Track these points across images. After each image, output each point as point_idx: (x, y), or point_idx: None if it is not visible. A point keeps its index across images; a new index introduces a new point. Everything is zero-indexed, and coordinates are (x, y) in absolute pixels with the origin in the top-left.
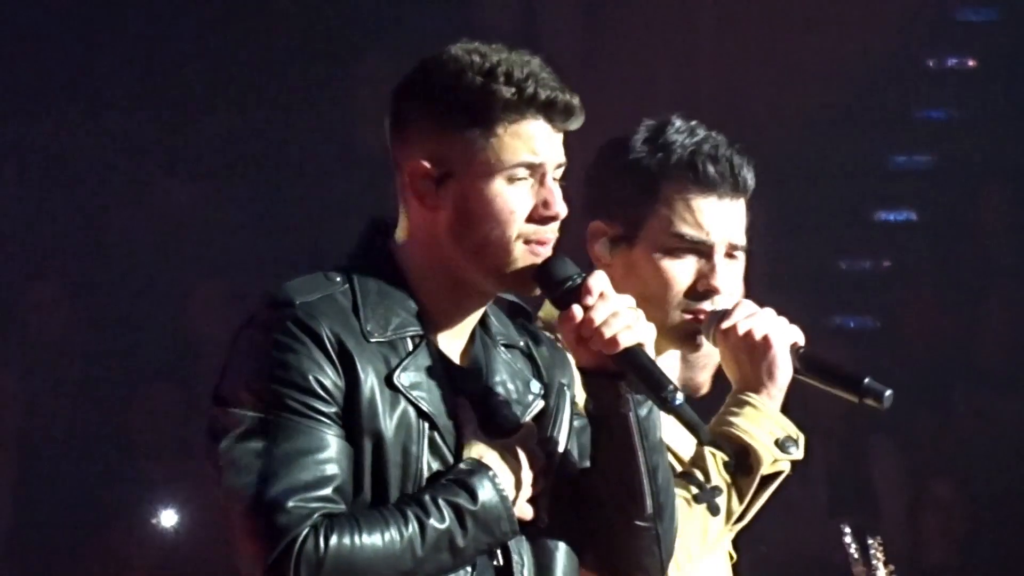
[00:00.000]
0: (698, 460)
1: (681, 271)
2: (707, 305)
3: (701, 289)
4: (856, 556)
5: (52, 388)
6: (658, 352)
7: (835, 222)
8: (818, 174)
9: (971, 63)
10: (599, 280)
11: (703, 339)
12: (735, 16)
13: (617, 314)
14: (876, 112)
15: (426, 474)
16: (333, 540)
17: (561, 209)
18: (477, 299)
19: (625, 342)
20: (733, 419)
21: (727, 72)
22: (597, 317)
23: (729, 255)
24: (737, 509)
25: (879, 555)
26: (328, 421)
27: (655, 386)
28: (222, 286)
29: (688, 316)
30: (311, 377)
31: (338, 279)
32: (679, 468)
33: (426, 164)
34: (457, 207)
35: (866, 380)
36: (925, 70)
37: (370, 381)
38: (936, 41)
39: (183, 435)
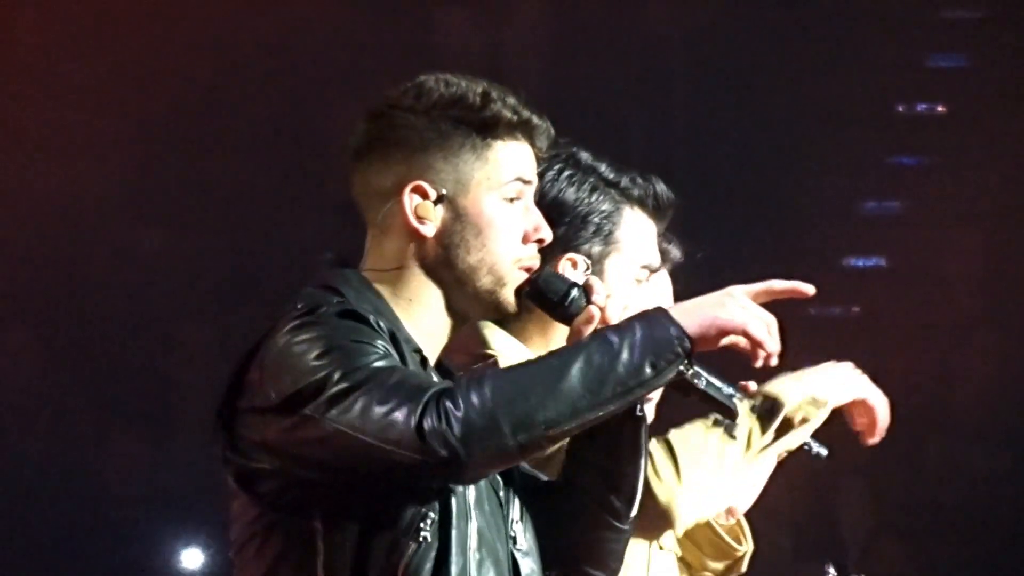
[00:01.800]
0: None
1: (638, 296)
2: None
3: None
4: None
5: (22, 433)
6: None
7: (804, 268)
8: (787, 219)
9: (941, 109)
10: (597, 281)
11: None
12: (705, 59)
13: (627, 308)
14: (846, 158)
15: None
16: (484, 379)
17: (548, 234)
18: (454, 327)
19: None
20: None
21: (697, 114)
22: (613, 315)
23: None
24: (758, 442)
25: None
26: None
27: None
28: (193, 331)
29: None
30: (380, 344)
31: (335, 300)
32: None
33: (425, 185)
34: (454, 228)
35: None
36: (895, 116)
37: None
38: (906, 87)
39: (156, 481)
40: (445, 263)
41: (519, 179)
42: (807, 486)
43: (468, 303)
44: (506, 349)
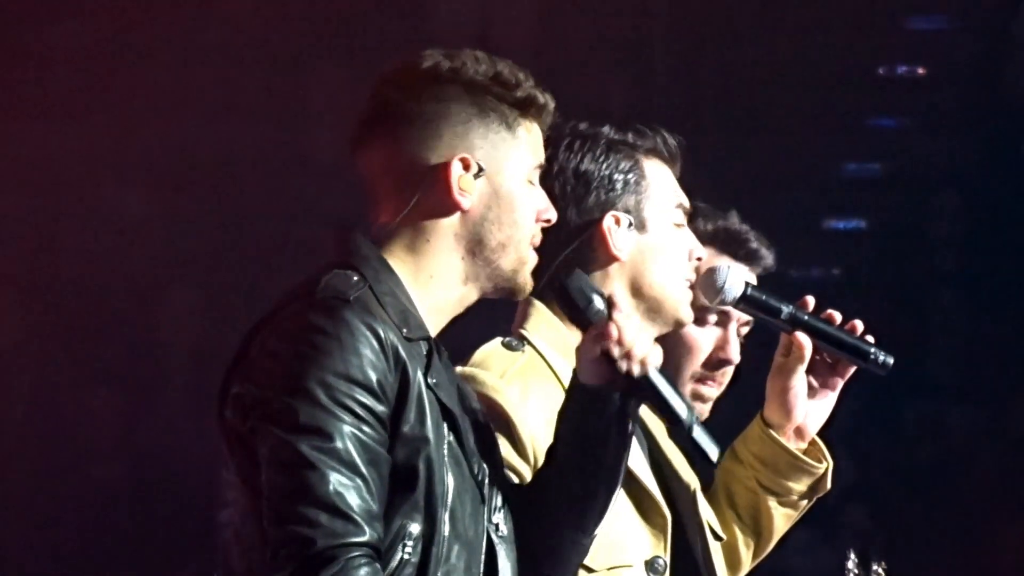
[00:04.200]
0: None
1: (688, 239)
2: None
3: (692, 257)
4: None
5: (2, 397)
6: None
7: (785, 230)
8: (768, 182)
9: (921, 71)
10: (622, 299)
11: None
12: (686, 24)
13: (643, 334)
14: (826, 120)
15: (447, 478)
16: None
17: (553, 215)
18: (464, 305)
19: (653, 362)
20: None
21: (678, 80)
22: (629, 336)
23: None
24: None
25: None
26: (383, 427)
27: (674, 413)
28: (179, 293)
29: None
30: (374, 378)
31: (355, 278)
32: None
33: (469, 158)
34: (489, 204)
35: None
36: (875, 78)
37: (417, 378)
38: (886, 49)
39: (138, 443)
40: (476, 238)
41: (539, 162)
42: None
43: (485, 280)
44: (543, 330)
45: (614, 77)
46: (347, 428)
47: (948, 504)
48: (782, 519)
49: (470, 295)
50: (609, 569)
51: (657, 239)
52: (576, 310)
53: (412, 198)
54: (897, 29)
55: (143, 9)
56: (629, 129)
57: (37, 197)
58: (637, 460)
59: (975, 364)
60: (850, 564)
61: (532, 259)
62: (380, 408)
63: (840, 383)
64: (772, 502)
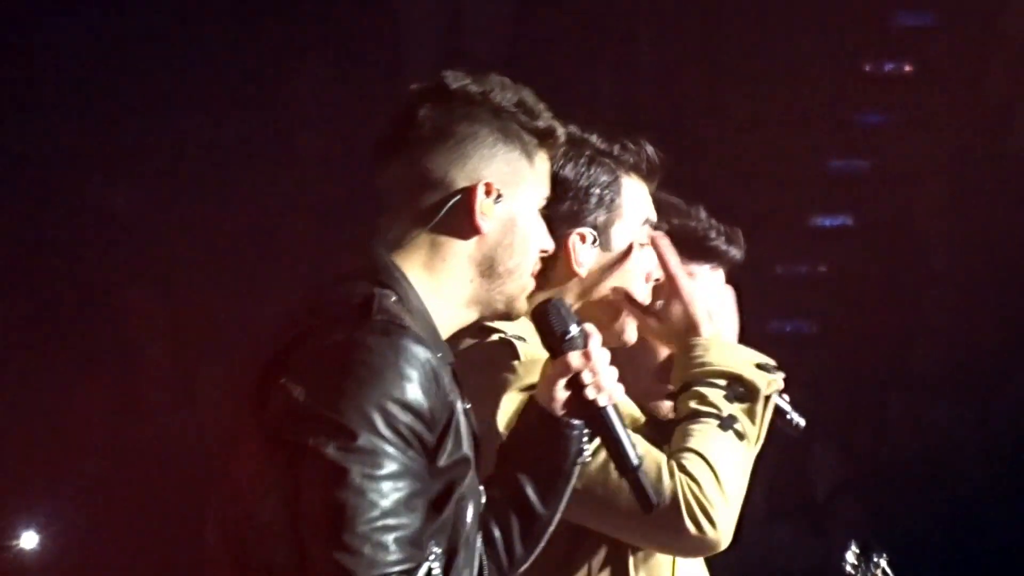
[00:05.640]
0: (701, 398)
1: (647, 260)
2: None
3: (652, 278)
4: (853, 573)
5: None
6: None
7: (772, 227)
8: (755, 179)
9: (908, 67)
10: (595, 330)
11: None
12: (673, 21)
13: (610, 367)
14: (813, 117)
15: (470, 503)
16: None
17: (551, 245)
18: (460, 326)
19: (617, 396)
20: (703, 358)
21: (665, 77)
22: (601, 367)
23: None
24: (753, 433)
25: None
26: (428, 454)
27: (623, 448)
28: (160, 291)
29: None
30: (427, 406)
31: (393, 297)
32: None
33: (494, 184)
34: (505, 230)
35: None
36: (863, 74)
37: (457, 406)
38: (874, 45)
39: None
40: (488, 263)
41: (547, 191)
42: (779, 443)
43: (487, 304)
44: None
45: (600, 75)
46: (400, 455)
47: (933, 495)
48: None
49: (469, 316)
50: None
51: (618, 258)
52: (552, 336)
53: (434, 216)
54: (884, 26)
55: (117, 10)
56: (616, 142)
57: (23, 191)
58: None
59: (960, 361)
60: (850, 556)
61: (531, 286)
62: (428, 436)
63: None
64: None
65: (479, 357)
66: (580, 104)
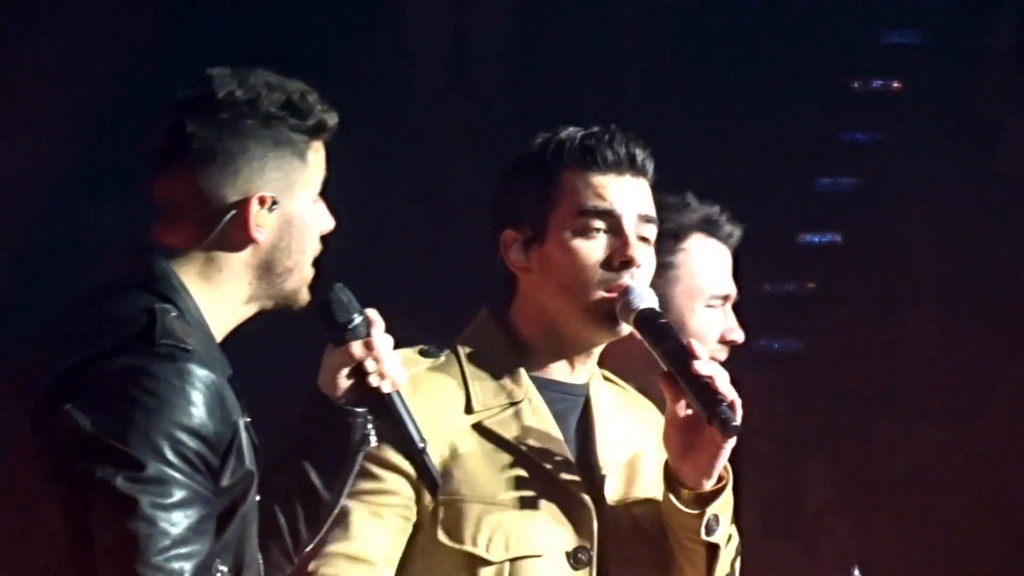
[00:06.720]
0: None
1: (593, 248)
2: (626, 278)
3: (616, 262)
4: None
5: None
6: (588, 346)
7: (759, 244)
8: (742, 196)
9: (896, 85)
10: (379, 317)
11: (622, 324)
12: (659, 38)
13: (395, 355)
14: (800, 134)
15: (253, 519)
16: None
17: (331, 226)
18: (240, 321)
19: (401, 382)
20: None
21: (652, 94)
22: (384, 354)
23: (642, 238)
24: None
25: None
26: (214, 477)
27: (408, 432)
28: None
29: (607, 294)
30: (212, 430)
31: (173, 312)
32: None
33: (266, 195)
34: (281, 234)
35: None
36: (850, 92)
37: (239, 423)
38: (861, 63)
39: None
40: (265, 266)
41: (323, 174)
42: (773, 463)
43: (267, 299)
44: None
45: (587, 90)
46: (189, 481)
47: (919, 516)
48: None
49: (248, 312)
50: (512, 560)
51: (557, 247)
52: (335, 325)
53: (209, 231)
54: (872, 43)
55: (102, 25)
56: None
57: (8, 206)
58: (556, 448)
59: (945, 381)
60: None
61: (311, 275)
62: (213, 459)
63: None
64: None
65: None
66: (570, 120)
